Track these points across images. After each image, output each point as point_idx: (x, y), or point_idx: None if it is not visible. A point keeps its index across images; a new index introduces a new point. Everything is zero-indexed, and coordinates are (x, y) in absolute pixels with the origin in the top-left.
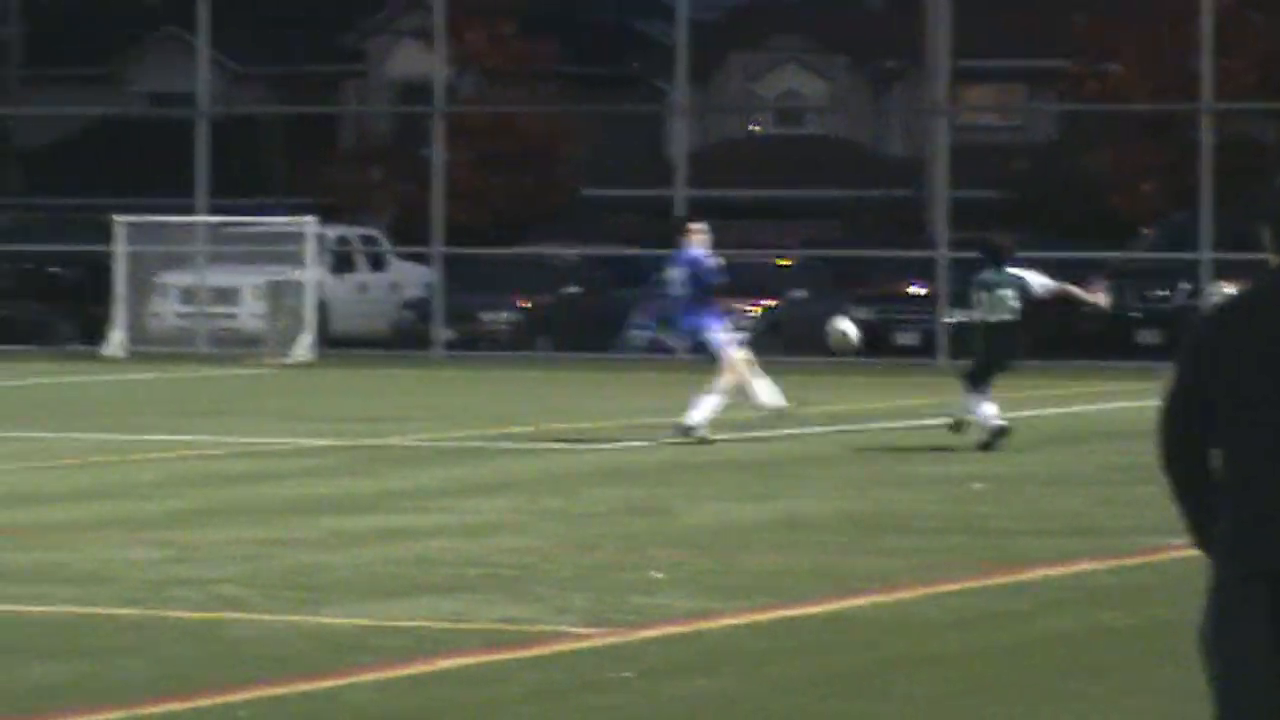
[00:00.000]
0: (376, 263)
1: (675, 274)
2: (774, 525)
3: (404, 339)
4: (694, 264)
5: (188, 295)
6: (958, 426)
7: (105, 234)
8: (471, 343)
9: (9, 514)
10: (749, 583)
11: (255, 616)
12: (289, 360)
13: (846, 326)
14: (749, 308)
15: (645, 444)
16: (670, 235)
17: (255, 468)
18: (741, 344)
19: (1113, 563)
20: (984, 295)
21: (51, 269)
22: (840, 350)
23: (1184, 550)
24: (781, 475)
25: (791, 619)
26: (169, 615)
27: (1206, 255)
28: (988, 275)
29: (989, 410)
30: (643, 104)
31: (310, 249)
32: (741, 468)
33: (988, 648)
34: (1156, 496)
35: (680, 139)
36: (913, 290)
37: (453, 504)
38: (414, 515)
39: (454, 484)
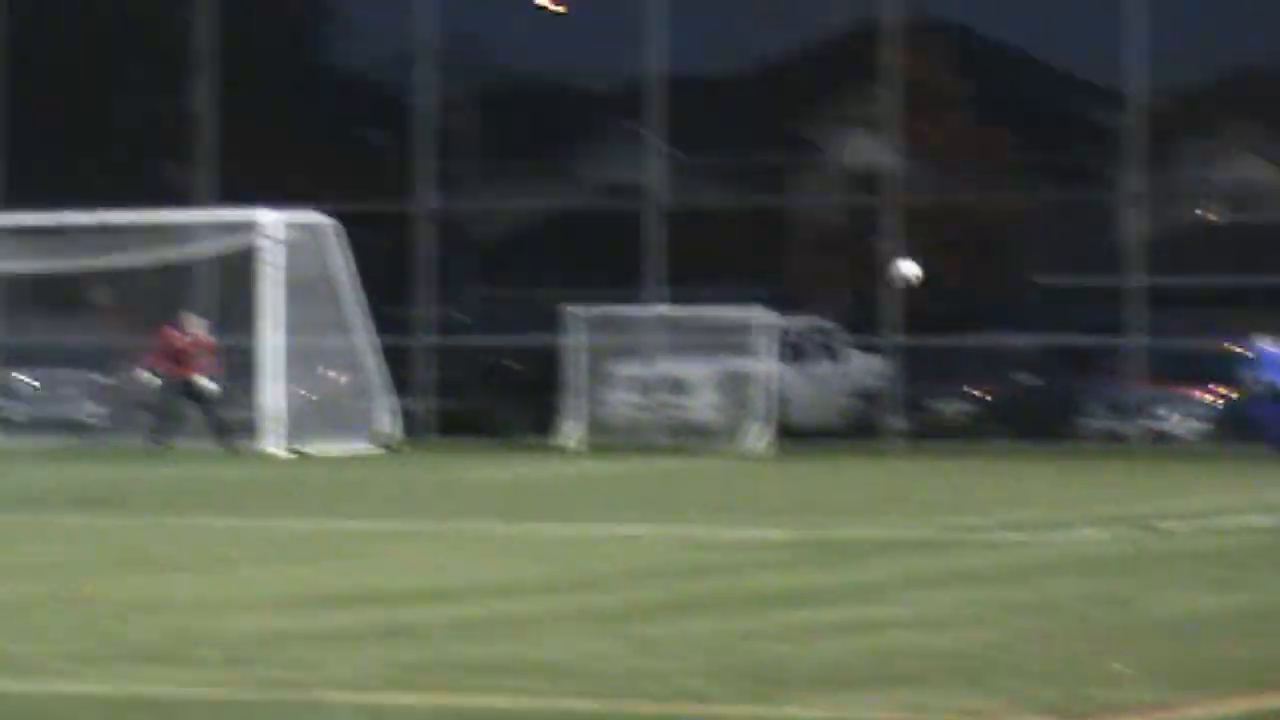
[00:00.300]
0: (830, 353)
1: (1258, 373)
2: (1239, 615)
3: (858, 429)
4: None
5: (641, 386)
6: None
7: (559, 325)
8: (925, 432)
9: (472, 605)
10: (1214, 673)
11: (718, 709)
12: (743, 451)
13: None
14: (1207, 395)
15: (1105, 534)
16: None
17: (713, 559)
18: None
19: None
20: None
21: (507, 361)
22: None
23: None
24: (1245, 564)
25: (1259, 710)
26: (631, 708)
27: None
28: None
29: None
30: (1094, 191)
31: (763, 339)
32: (1203, 557)
33: None
34: None
35: (1133, 227)
36: None
37: (911, 595)
38: (872, 606)
39: (911, 575)
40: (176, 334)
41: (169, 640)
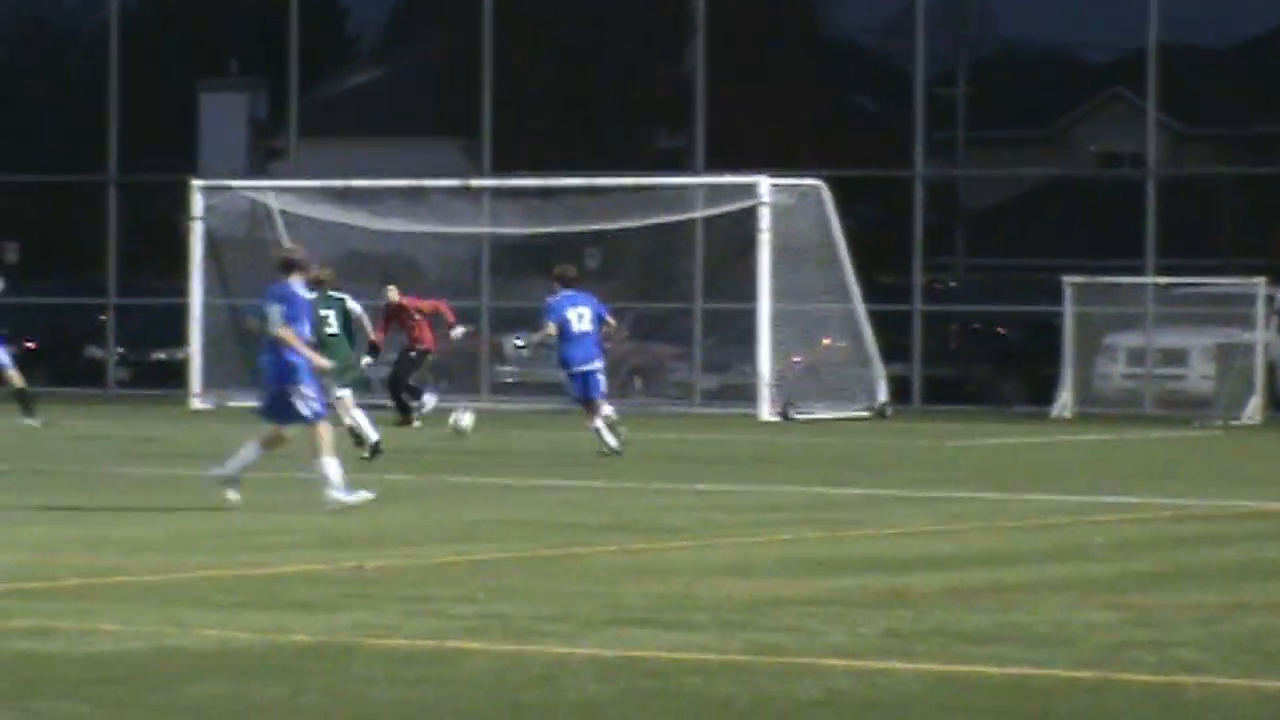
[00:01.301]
0: None
1: None
2: None
3: None
4: None
5: (1135, 356)
6: None
7: (1053, 295)
8: None
9: (965, 574)
10: None
11: (1213, 680)
12: (1237, 422)
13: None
14: None
15: None
16: None
17: (1206, 530)
18: None
19: None
20: None
21: (999, 329)
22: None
23: None
24: None
25: None
26: (1125, 678)
27: None
28: None
29: None
30: None
31: (1259, 310)
32: None
33: None
34: None
35: None
36: None
37: None
38: None
39: None
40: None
41: (663, 604)
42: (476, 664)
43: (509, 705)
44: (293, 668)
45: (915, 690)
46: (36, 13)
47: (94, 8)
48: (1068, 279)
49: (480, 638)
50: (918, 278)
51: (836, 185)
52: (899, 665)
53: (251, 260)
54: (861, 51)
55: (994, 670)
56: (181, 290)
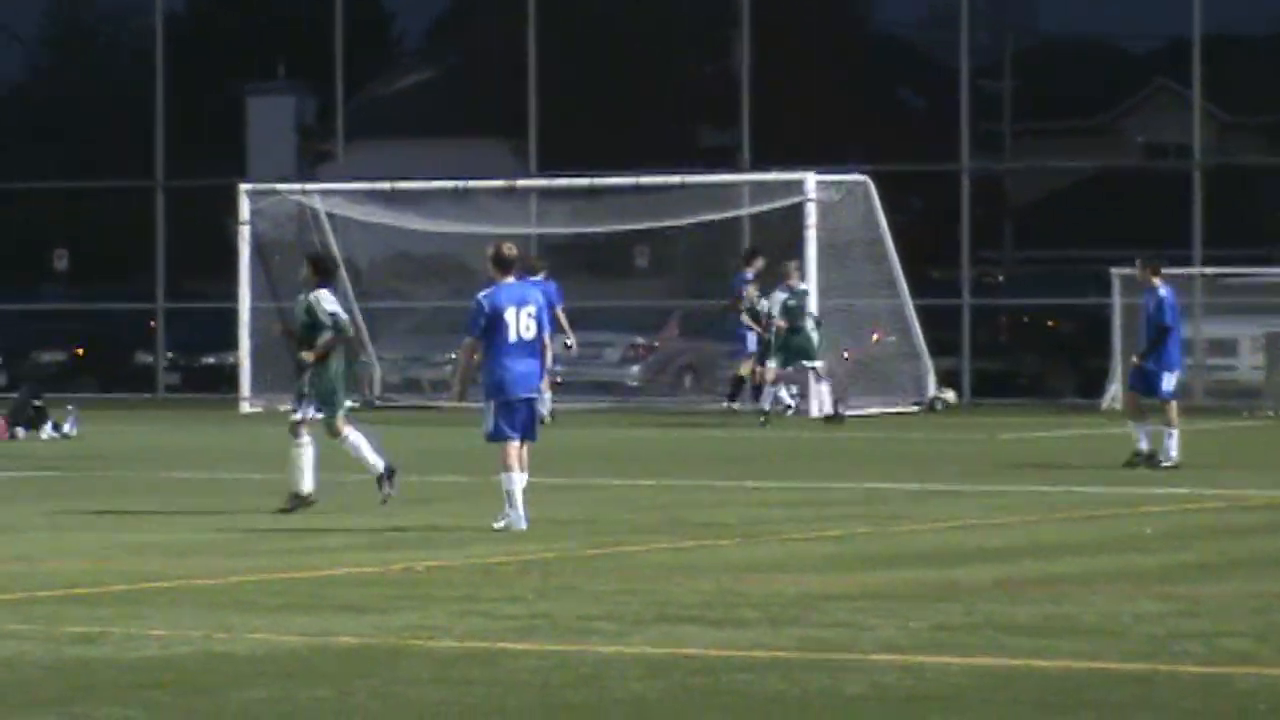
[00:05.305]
0: None
1: None
2: None
3: None
4: None
5: (1184, 347)
6: None
7: (1102, 286)
8: None
9: (1014, 567)
10: None
11: (1266, 671)
12: None
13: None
14: None
15: None
16: None
17: (1256, 521)
18: None
19: None
20: None
21: (1049, 322)
22: None
23: None
24: None
25: None
26: (1174, 669)
27: None
28: None
29: None
30: None
31: None
32: None
33: None
34: None
35: None
36: None
37: None
38: None
39: None
40: None
41: (712, 601)
42: (524, 664)
43: (556, 705)
44: (340, 671)
45: (964, 683)
46: (83, 20)
47: (139, 13)
48: (1116, 270)
49: (528, 638)
50: (966, 271)
51: (883, 180)
52: (948, 659)
53: (299, 263)
54: (906, 45)
55: (1043, 663)
56: (230, 294)
